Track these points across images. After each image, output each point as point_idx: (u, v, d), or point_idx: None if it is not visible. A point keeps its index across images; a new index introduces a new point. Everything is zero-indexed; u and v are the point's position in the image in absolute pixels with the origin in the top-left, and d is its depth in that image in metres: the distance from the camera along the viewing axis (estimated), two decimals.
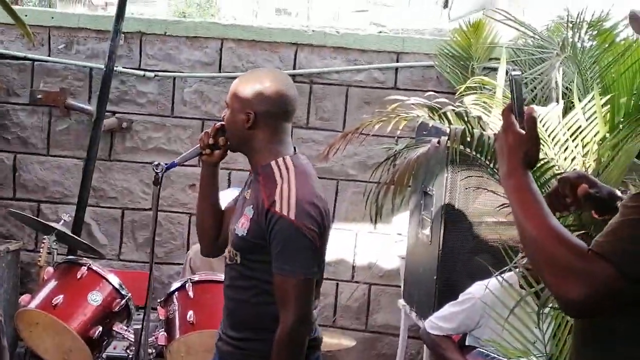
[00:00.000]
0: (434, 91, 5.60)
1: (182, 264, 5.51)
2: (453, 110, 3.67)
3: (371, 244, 5.98)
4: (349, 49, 5.98)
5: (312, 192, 3.00)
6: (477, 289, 4.17)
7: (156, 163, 4.01)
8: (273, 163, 3.06)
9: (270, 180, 3.03)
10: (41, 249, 4.99)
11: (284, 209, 2.93)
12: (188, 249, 5.75)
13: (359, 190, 5.96)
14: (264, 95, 3.05)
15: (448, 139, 3.50)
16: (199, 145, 3.32)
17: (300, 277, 2.95)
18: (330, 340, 5.16)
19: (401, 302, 5.39)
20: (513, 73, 2.03)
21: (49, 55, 6.10)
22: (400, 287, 5.57)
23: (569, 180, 2.24)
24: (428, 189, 4.75)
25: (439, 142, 3.61)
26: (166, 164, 3.96)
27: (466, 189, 4.54)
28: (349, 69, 5.98)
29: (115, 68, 5.83)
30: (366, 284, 5.97)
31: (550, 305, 3.33)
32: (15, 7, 6.00)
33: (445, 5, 8.75)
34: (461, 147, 3.53)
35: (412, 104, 3.76)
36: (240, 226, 3.09)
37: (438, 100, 3.86)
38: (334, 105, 5.99)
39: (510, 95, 2.04)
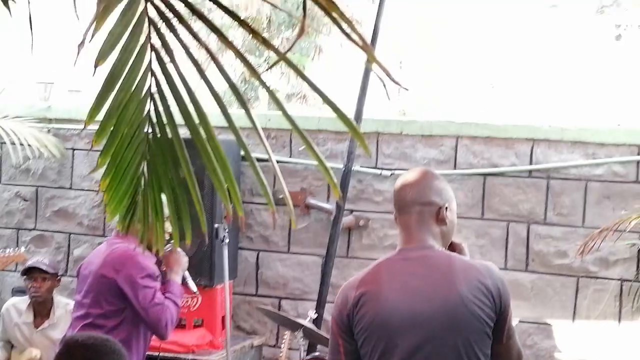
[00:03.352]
0: None
1: None
2: None
3: (615, 344, 5.74)
4: (587, 142, 5.86)
5: (354, 280, 3.16)
6: None
7: None
8: None
9: None
10: (282, 344, 5.13)
11: None
12: None
13: (600, 287, 5.75)
14: (394, 189, 3.23)
15: None
16: None
17: None
18: None
19: None
20: None
21: (290, 157, 6.37)
22: None
23: None
24: None
25: None
26: None
27: None
28: (587, 163, 5.84)
29: (352, 168, 6.02)
30: None
31: None
32: (256, 112, 6.33)
33: None
34: None
35: None
36: None
37: None
38: (572, 201, 5.85)
39: None
